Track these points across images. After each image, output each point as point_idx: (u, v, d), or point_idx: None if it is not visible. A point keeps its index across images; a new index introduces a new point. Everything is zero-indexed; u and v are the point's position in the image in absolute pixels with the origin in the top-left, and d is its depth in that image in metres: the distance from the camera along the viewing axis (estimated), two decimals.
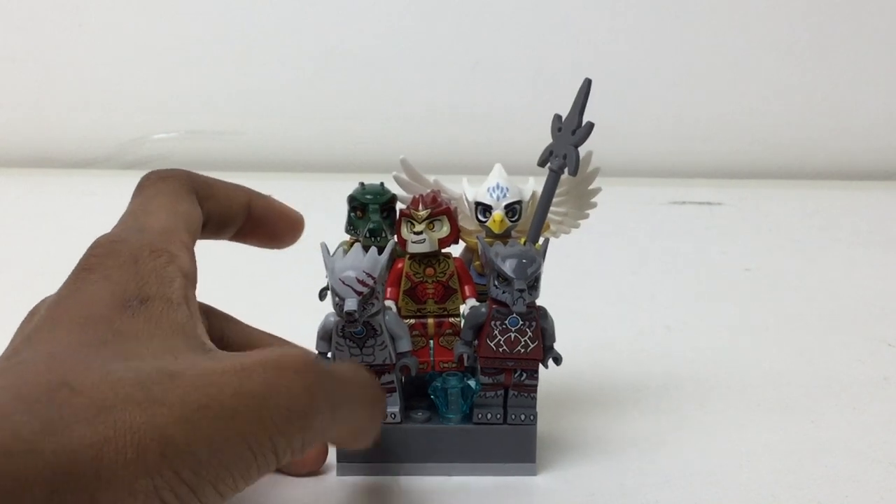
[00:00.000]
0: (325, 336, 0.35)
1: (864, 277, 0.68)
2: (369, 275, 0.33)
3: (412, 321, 0.38)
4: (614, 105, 0.97)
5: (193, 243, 0.33)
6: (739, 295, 0.63)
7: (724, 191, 0.95)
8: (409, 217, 0.37)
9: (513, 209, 0.38)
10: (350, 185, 0.39)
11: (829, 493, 0.37)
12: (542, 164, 0.39)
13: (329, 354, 0.35)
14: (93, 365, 0.25)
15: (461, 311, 0.38)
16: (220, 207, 0.35)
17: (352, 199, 0.38)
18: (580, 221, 0.43)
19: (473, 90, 1.03)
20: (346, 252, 0.35)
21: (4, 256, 0.69)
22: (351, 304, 0.32)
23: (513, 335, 0.35)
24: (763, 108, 1.04)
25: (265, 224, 0.37)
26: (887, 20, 1.02)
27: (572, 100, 0.38)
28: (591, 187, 0.41)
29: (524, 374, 0.36)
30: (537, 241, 0.37)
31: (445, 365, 0.38)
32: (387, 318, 0.35)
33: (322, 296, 0.40)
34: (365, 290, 0.33)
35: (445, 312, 0.38)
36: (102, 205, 0.85)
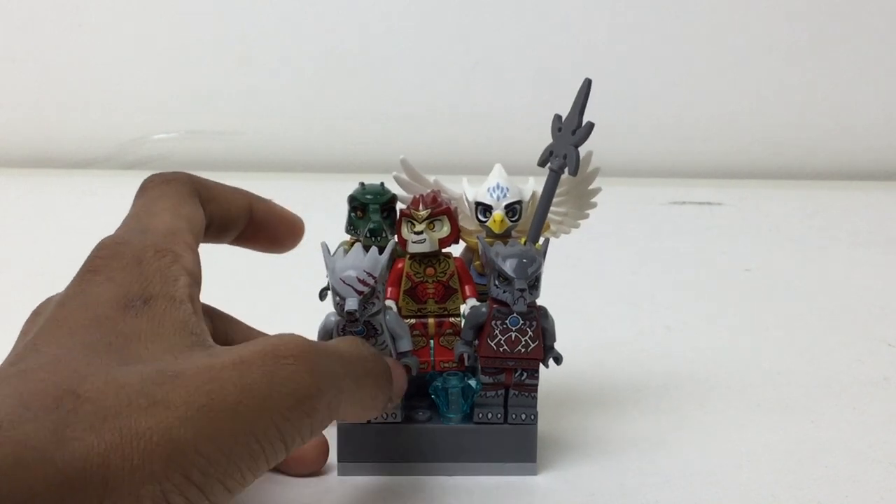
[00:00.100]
0: (326, 336, 0.35)
1: (864, 277, 0.68)
2: (370, 274, 0.33)
3: (413, 321, 0.38)
4: (614, 105, 0.97)
5: (197, 245, 0.33)
6: (739, 295, 0.63)
7: (724, 191, 0.95)
8: (409, 217, 0.37)
9: (513, 209, 0.38)
10: (350, 186, 0.39)
11: (829, 493, 0.37)
12: (542, 164, 0.39)
13: None
14: (97, 370, 0.25)
15: (461, 311, 0.38)
16: (222, 211, 0.35)
17: (352, 199, 0.38)
18: (580, 221, 0.43)
19: (473, 90, 1.03)
20: (346, 252, 0.35)
21: (4, 256, 0.69)
22: (352, 303, 0.33)
23: (513, 335, 0.35)
24: (763, 108, 1.04)
25: (266, 228, 0.37)
26: (887, 20, 1.02)
27: (572, 100, 0.38)
28: (591, 187, 0.41)
29: (525, 374, 0.36)
30: (537, 240, 0.37)
31: (446, 364, 0.38)
32: (387, 317, 0.35)
33: (322, 296, 0.40)
34: (366, 289, 0.33)
35: (446, 312, 0.38)
36: (103, 205, 0.86)
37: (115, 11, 1.01)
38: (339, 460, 0.37)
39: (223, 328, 0.35)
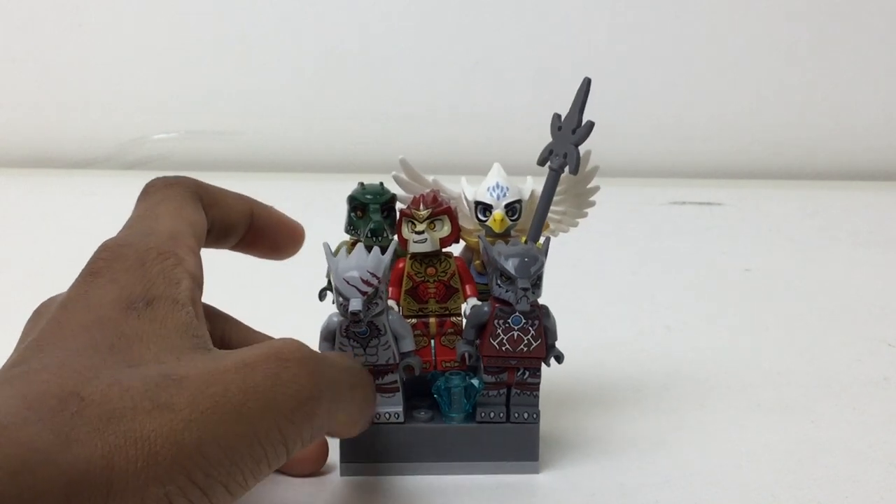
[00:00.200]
0: (328, 337, 0.35)
1: (864, 277, 0.68)
2: (373, 274, 0.33)
3: (414, 321, 0.38)
4: (614, 105, 0.97)
5: (199, 248, 0.33)
6: (739, 295, 0.63)
7: (724, 191, 0.95)
8: (410, 217, 0.37)
9: (513, 208, 0.38)
10: (350, 186, 0.39)
11: (829, 493, 0.37)
12: (541, 163, 0.39)
13: None
14: (101, 373, 0.25)
15: (462, 311, 0.38)
16: (223, 215, 0.35)
17: (352, 200, 0.38)
18: (579, 220, 0.43)
19: (473, 90, 1.03)
20: (348, 252, 0.35)
21: (4, 256, 0.69)
22: (356, 304, 0.33)
23: (516, 334, 0.35)
24: (763, 108, 1.04)
25: (267, 234, 0.38)
26: (887, 20, 1.02)
27: (572, 99, 0.38)
28: (589, 186, 0.42)
29: (527, 373, 0.36)
30: (538, 239, 0.38)
31: (448, 364, 0.38)
32: (390, 317, 0.35)
33: (322, 296, 0.40)
34: (369, 289, 0.33)
35: (447, 312, 0.38)
36: (103, 205, 0.86)
37: (115, 11, 1.01)
38: (341, 460, 0.38)
39: (221, 328, 0.35)
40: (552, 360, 0.37)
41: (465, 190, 0.40)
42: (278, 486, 0.36)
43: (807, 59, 1.02)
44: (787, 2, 1.01)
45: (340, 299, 0.33)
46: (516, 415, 0.37)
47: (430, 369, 0.38)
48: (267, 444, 0.26)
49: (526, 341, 0.35)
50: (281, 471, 0.37)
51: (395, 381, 0.36)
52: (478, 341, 0.36)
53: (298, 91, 1.03)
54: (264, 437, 0.26)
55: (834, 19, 1.01)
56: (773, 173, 1.05)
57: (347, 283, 0.33)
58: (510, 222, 0.38)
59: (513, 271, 0.34)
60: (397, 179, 0.41)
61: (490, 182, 0.38)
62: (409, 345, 0.36)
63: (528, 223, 0.39)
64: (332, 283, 0.34)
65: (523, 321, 0.35)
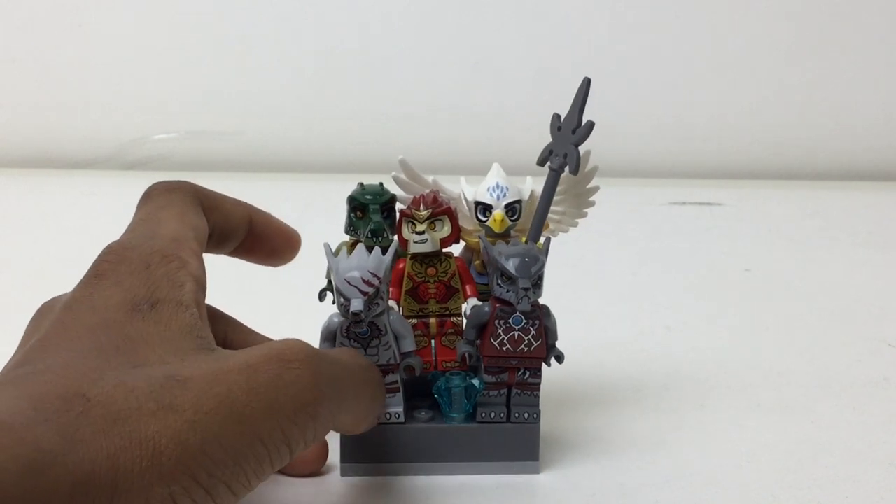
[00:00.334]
0: (328, 337, 0.35)
1: (864, 277, 0.68)
2: (374, 275, 0.33)
3: (415, 321, 0.38)
4: (614, 105, 0.97)
5: (202, 252, 0.33)
6: (739, 295, 0.64)
7: (724, 191, 0.95)
8: (410, 217, 0.37)
9: (513, 208, 0.38)
10: (349, 186, 0.39)
11: (829, 493, 0.37)
12: (541, 163, 0.39)
13: None
14: (106, 374, 0.25)
15: (463, 311, 0.38)
16: (223, 220, 0.36)
17: (352, 200, 0.38)
18: (579, 220, 0.43)
19: (473, 90, 1.03)
20: (348, 253, 0.35)
21: (4, 256, 0.69)
22: (357, 304, 0.33)
23: (517, 334, 0.35)
24: (763, 108, 1.04)
25: (264, 240, 0.38)
26: (887, 20, 1.02)
27: (571, 99, 0.38)
28: (589, 186, 0.42)
29: (527, 373, 0.36)
30: (538, 239, 0.38)
31: (448, 364, 0.38)
32: (391, 317, 0.35)
33: (321, 297, 0.40)
34: (370, 290, 0.33)
35: (448, 312, 0.38)
36: (103, 205, 0.86)
37: (115, 11, 1.01)
38: (341, 461, 0.38)
39: (223, 330, 0.35)
40: (553, 361, 0.37)
41: (465, 190, 0.40)
42: (278, 486, 0.36)
43: (807, 59, 1.02)
44: (787, 2, 1.01)
45: (341, 300, 0.33)
46: (517, 415, 0.37)
47: (430, 369, 0.38)
48: (270, 445, 0.26)
49: (526, 341, 0.35)
50: (281, 471, 0.37)
51: (396, 382, 0.36)
52: (478, 341, 0.36)
53: (298, 91, 1.03)
54: (267, 437, 0.26)
55: (834, 19, 1.01)
56: (773, 173, 1.04)
57: (348, 283, 0.33)
58: (510, 222, 0.38)
59: (513, 271, 0.34)
60: (397, 180, 0.41)
61: (490, 182, 0.38)
62: (409, 345, 0.36)
63: (528, 223, 0.39)
64: (333, 284, 0.34)
65: (524, 321, 0.35)
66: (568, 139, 0.38)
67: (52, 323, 0.28)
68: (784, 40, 1.02)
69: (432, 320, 0.38)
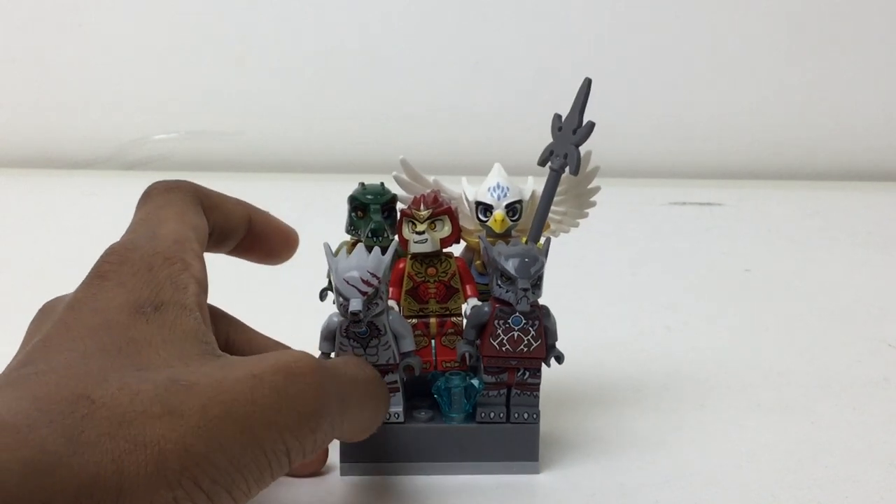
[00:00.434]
0: (328, 336, 0.35)
1: (864, 278, 0.68)
2: (373, 275, 0.33)
3: (415, 321, 0.38)
4: (614, 105, 0.97)
5: (203, 253, 0.33)
6: (739, 295, 0.64)
7: (724, 191, 0.95)
8: (410, 217, 0.37)
9: (513, 208, 0.38)
10: (350, 186, 0.39)
11: (830, 494, 0.37)
12: (542, 163, 0.39)
13: (332, 355, 0.35)
14: (110, 376, 0.25)
15: (463, 311, 0.38)
16: (223, 220, 0.36)
17: (353, 200, 0.38)
18: (579, 221, 0.43)
19: (473, 90, 1.03)
20: (348, 252, 0.35)
21: (4, 256, 0.69)
22: (356, 304, 0.33)
23: (516, 334, 0.35)
24: (763, 108, 1.04)
25: (263, 239, 0.38)
26: (887, 20, 1.02)
27: (572, 100, 0.38)
28: (590, 186, 0.42)
29: (527, 373, 0.36)
30: (538, 240, 0.38)
31: (448, 364, 0.38)
32: (390, 317, 0.35)
33: (322, 296, 0.40)
34: (369, 290, 0.33)
35: (448, 312, 0.38)
36: (103, 205, 0.86)
37: (115, 11, 1.01)
38: (341, 461, 0.38)
39: (224, 330, 0.35)
40: (552, 361, 0.37)
41: (466, 190, 0.40)
42: (278, 486, 0.36)
43: (807, 59, 1.02)
44: (787, 2, 1.01)
45: (340, 299, 0.33)
46: (516, 415, 0.37)
47: (430, 369, 0.38)
48: (271, 455, 0.26)
49: (526, 342, 0.35)
50: None
51: (396, 381, 0.36)
52: (478, 341, 0.36)
53: (298, 91, 1.03)
54: (269, 447, 0.26)
55: (834, 19, 1.01)
56: (773, 173, 1.05)
57: (347, 283, 0.33)
58: (511, 222, 0.38)
59: (513, 272, 0.34)
60: (398, 180, 0.41)
61: (491, 182, 0.38)
62: (409, 345, 0.36)
63: (528, 223, 0.39)
64: (333, 284, 0.34)
65: (523, 321, 0.35)
66: (568, 139, 0.38)
67: (54, 323, 0.28)
68: (784, 40, 1.02)
69: (432, 320, 0.38)
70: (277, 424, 0.26)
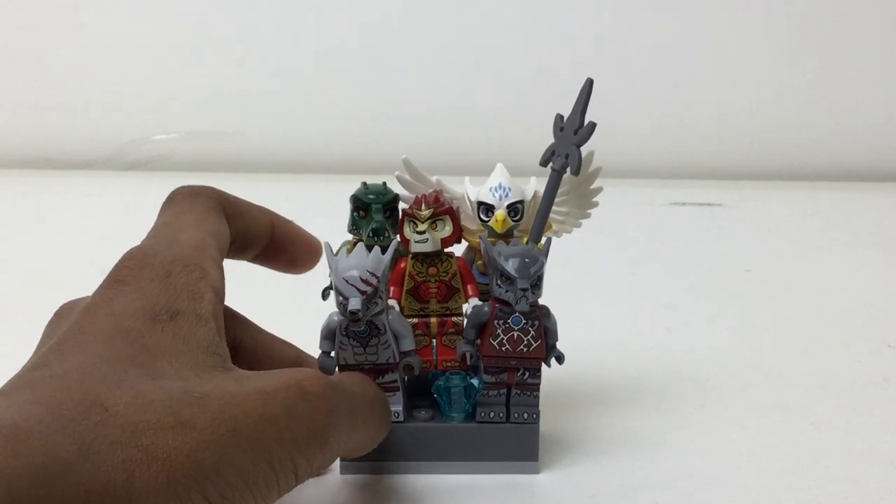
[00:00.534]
0: (328, 335, 0.35)
1: (864, 278, 0.68)
2: (373, 274, 0.33)
3: (415, 320, 0.38)
4: (614, 105, 0.97)
5: (222, 260, 0.33)
6: (740, 296, 0.64)
7: (725, 192, 0.95)
8: (411, 217, 0.37)
9: (515, 209, 0.38)
10: (351, 186, 0.39)
11: (830, 494, 0.37)
12: (543, 163, 0.39)
13: (332, 354, 0.35)
14: (123, 383, 0.25)
15: (464, 311, 0.38)
16: (245, 227, 0.36)
17: (355, 199, 0.38)
18: (582, 221, 0.43)
19: (474, 91, 1.03)
20: (349, 252, 0.35)
21: (4, 257, 0.69)
22: (354, 303, 0.33)
23: (516, 334, 0.35)
24: (763, 109, 1.04)
25: (286, 248, 0.38)
26: (887, 21, 1.02)
27: (574, 100, 0.38)
28: (592, 187, 0.42)
29: (527, 373, 0.36)
30: (539, 240, 0.38)
31: (448, 364, 0.38)
32: (390, 317, 0.35)
33: (325, 295, 0.40)
34: (368, 289, 0.33)
35: (448, 311, 0.38)
36: (103, 206, 0.86)
37: (115, 11, 1.01)
38: (341, 459, 0.38)
39: (233, 330, 0.35)
40: (553, 361, 0.37)
41: (468, 190, 0.40)
42: None
43: (807, 59, 1.02)
44: (787, 2, 1.01)
45: (340, 298, 0.33)
46: (516, 415, 0.37)
47: (430, 369, 0.38)
48: (279, 471, 0.26)
49: (526, 342, 0.35)
50: None
51: (396, 381, 0.36)
52: (478, 341, 0.36)
53: (298, 91, 1.03)
54: (277, 463, 0.26)
55: (834, 19, 1.01)
56: (773, 174, 1.04)
57: (347, 282, 0.33)
58: (512, 223, 0.38)
59: (512, 272, 0.34)
60: (400, 179, 0.41)
61: (493, 182, 0.38)
62: (408, 344, 0.36)
63: (531, 224, 0.39)
64: (333, 283, 0.34)
65: (523, 321, 0.35)
66: (570, 140, 0.38)
67: (70, 326, 0.28)
68: (784, 40, 1.02)
69: (433, 320, 0.38)
70: (287, 440, 0.27)
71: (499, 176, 0.38)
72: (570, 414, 0.44)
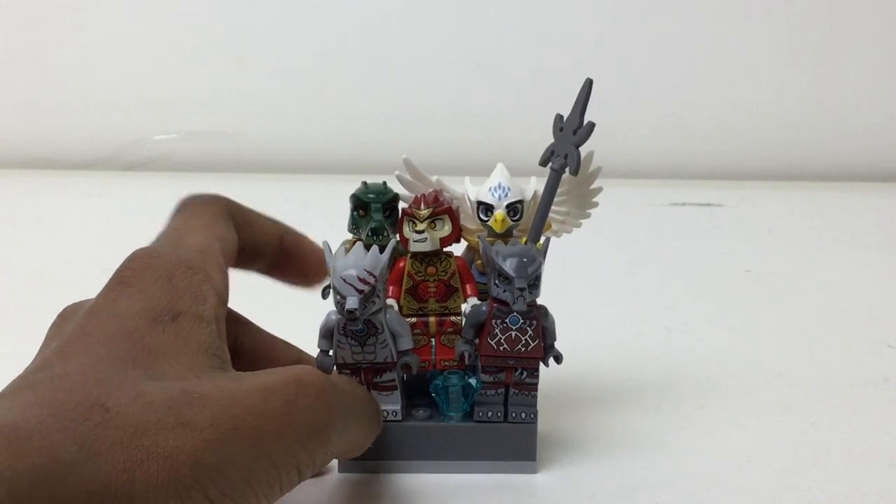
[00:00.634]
0: (326, 334, 0.35)
1: (864, 278, 0.68)
2: (370, 273, 0.33)
3: (414, 319, 0.38)
4: (614, 105, 0.97)
5: (227, 266, 0.33)
6: (740, 296, 0.63)
7: (725, 192, 0.95)
8: (410, 216, 0.37)
9: (514, 208, 0.38)
10: (351, 186, 0.39)
11: (830, 494, 0.37)
12: (543, 163, 0.39)
13: (330, 352, 0.35)
14: (124, 384, 0.25)
15: (463, 310, 0.38)
16: (254, 237, 0.36)
17: (355, 199, 0.38)
18: (582, 221, 0.43)
19: (474, 91, 1.03)
20: (347, 251, 0.35)
21: (4, 257, 0.69)
22: (352, 302, 0.33)
23: (514, 334, 0.35)
24: (763, 109, 1.04)
25: (295, 260, 0.38)
26: (887, 21, 1.02)
27: (573, 100, 0.38)
28: (592, 187, 0.42)
29: (525, 373, 0.36)
30: (538, 240, 0.38)
31: (447, 363, 0.38)
32: (388, 316, 0.35)
33: (325, 294, 0.40)
34: (366, 288, 0.33)
35: (447, 311, 0.38)
36: (103, 206, 0.86)
37: (115, 11, 1.01)
38: (337, 459, 0.38)
39: (234, 331, 0.35)
40: (551, 361, 0.37)
41: (468, 190, 0.40)
42: None
43: (807, 59, 1.02)
44: (787, 2, 1.01)
45: (338, 297, 0.33)
46: (514, 414, 0.37)
47: (429, 368, 0.38)
48: (281, 469, 0.27)
49: (524, 341, 0.35)
50: None
51: (393, 380, 0.36)
52: (476, 340, 0.36)
53: (298, 91, 1.03)
54: (279, 461, 0.26)
55: (834, 19, 1.01)
56: (773, 174, 1.04)
57: (345, 281, 0.33)
58: (511, 222, 0.38)
59: (510, 271, 0.34)
60: (401, 179, 0.41)
61: (492, 182, 0.38)
62: (406, 343, 0.36)
63: (530, 223, 0.39)
64: (331, 281, 0.34)
65: (521, 321, 0.35)
66: (569, 140, 0.38)
67: (73, 328, 0.28)
68: (784, 40, 1.02)
69: (432, 319, 0.38)
70: (288, 437, 0.27)
71: (498, 176, 0.38)
72: (569, 414, 0.44)
